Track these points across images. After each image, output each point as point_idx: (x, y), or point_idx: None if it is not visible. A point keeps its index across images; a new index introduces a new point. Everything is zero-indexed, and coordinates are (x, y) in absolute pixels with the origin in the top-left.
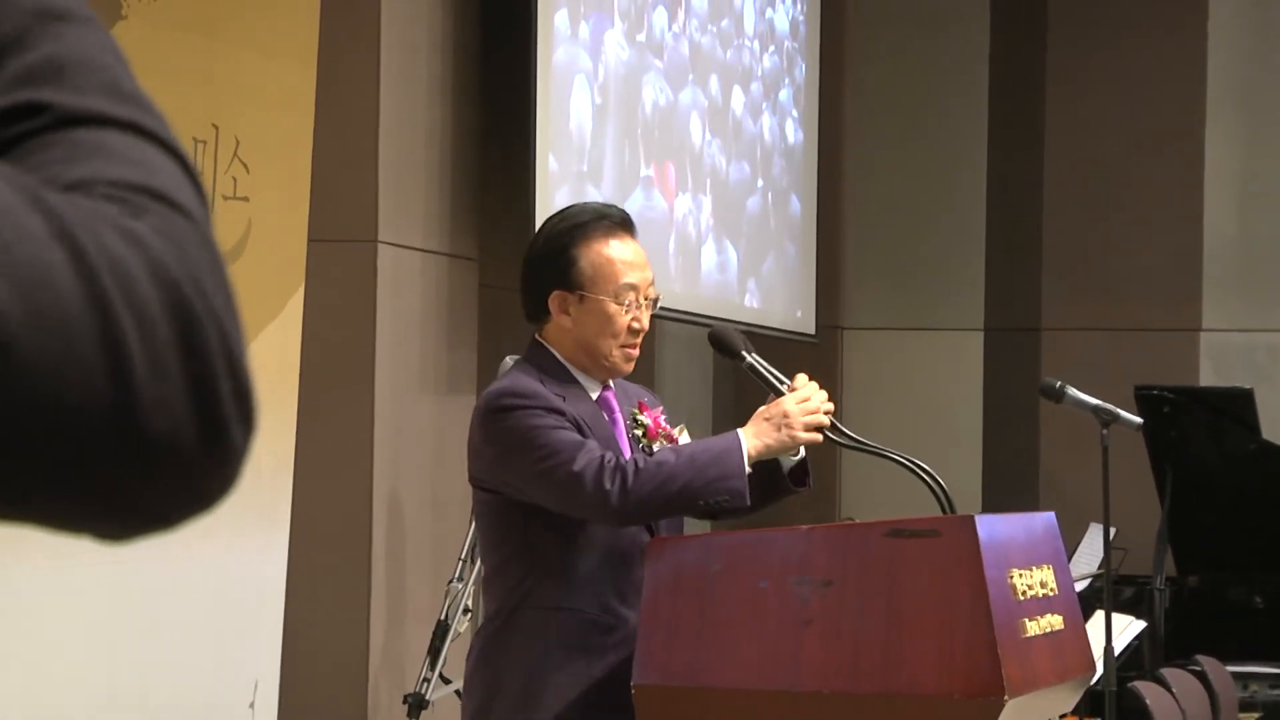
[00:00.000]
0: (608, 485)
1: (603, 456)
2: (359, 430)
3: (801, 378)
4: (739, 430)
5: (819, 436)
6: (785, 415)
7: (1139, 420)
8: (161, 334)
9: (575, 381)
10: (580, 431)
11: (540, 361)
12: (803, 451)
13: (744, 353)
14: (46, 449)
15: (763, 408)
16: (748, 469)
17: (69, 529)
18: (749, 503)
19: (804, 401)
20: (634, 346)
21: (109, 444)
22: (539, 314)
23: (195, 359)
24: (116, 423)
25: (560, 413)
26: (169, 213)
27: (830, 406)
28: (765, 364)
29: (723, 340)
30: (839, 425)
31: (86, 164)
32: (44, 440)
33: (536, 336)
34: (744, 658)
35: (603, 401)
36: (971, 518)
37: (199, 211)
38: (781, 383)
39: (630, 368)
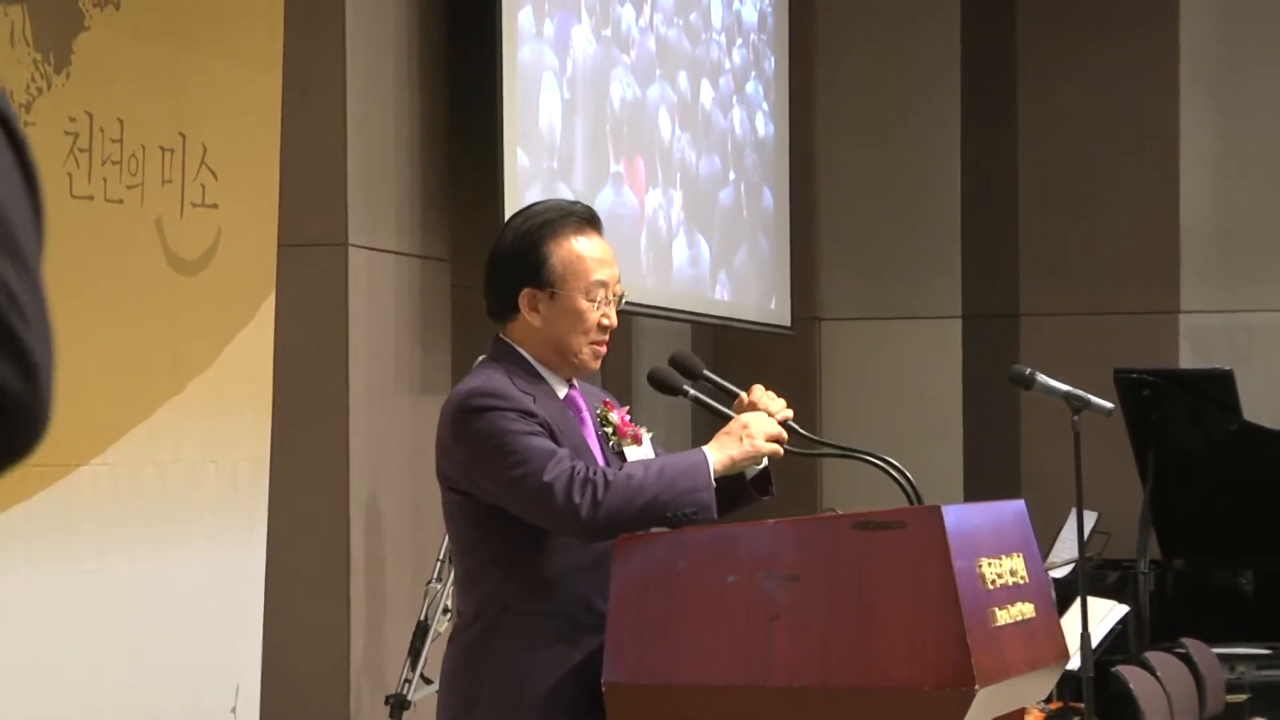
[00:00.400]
0: (577, 499)
1: (573, 468)
2: (335, 434)
3: (758, 388)
4: (703, 447)
5: (779, 448)
6: (745, 427)
7: (1110, 405)
8: None
9: (543, 380)
10: (551, 433)
11: (507, 360)
12: (765, 462)
13: (686, 387)
14: None
15: (724, 426)
16: (714, 482)
17: None
18: (716, 516)
19: (762, 414)
20: (602, 344)
21: None
22: (505, 312)
23: None
24: None
25: (532, 415)
26: None
27: (789, 414)
28: (714, 382)
29: (662, 380)
30: (797, 429)
31: None
32: None
33: (501, 335)
34: (713, 654)
35: (569, 400)
36: (938, 508)
37: None
38: (733, 397)
39: (597, 365)
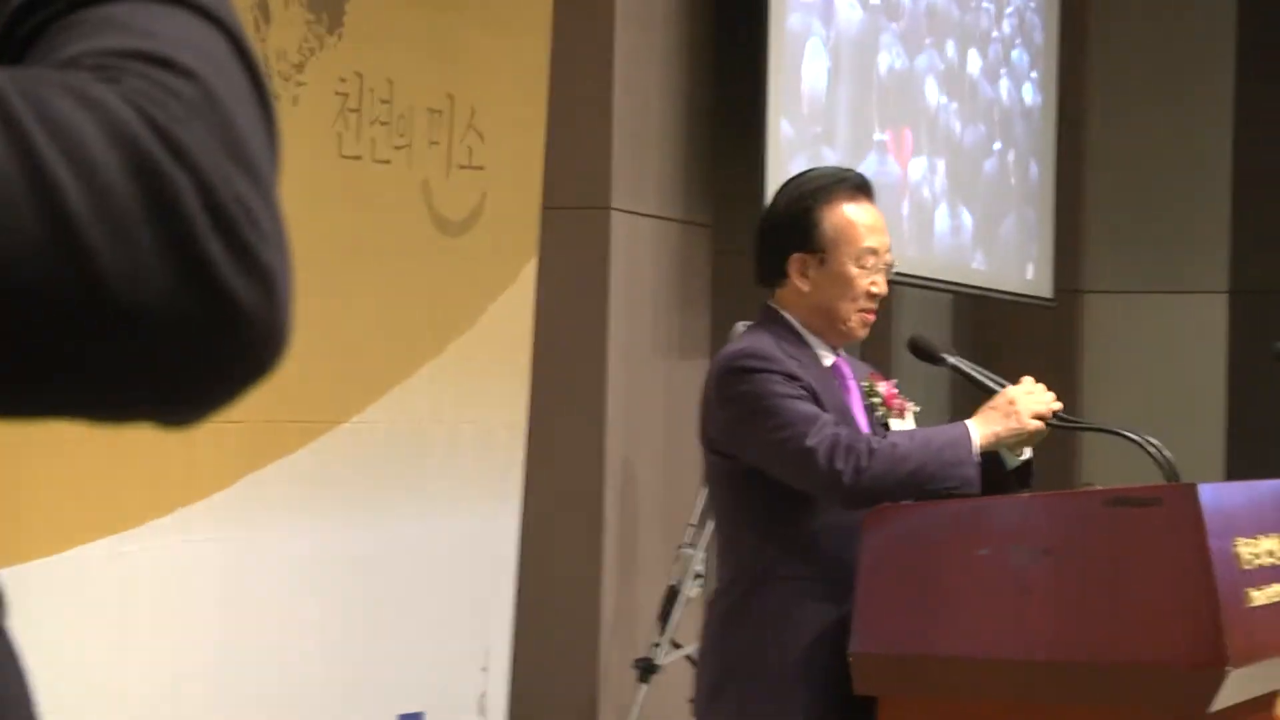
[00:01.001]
0: (840, 464)
1: (837, 434)
2: (592, 396)
3: (1027, 379)
4: (967, 420)
5: (1045, 426)
6: (1011, 403)
7: None
8: (121, 197)
9: (809, 347)
10: (815, 399)
11: (775, 326)
12: (1028, 453)
13: (945, 354)
14: (18, 335)
15: (989, 401)
16: (978, 457)
17: (106, 416)
18: (979, 490)
19: (1029, 393)
20: (871, 312)
21: (85, 321)
22: (774, 278)
23: (166, 219)
24: (83, 297)
25: (797, 379)
26: (159, 73)
27: (1059, 406)
28: (971, 365)
29: (922, 346)
30: (1065, 419)
31: (84, 40)
32: (8, 325)
33: (769, 302)
34: (963, 626)
35: (835, 369)
36: (1194, 485)
37: (207, 72)
38: (995, 382)
39: (865, 333)
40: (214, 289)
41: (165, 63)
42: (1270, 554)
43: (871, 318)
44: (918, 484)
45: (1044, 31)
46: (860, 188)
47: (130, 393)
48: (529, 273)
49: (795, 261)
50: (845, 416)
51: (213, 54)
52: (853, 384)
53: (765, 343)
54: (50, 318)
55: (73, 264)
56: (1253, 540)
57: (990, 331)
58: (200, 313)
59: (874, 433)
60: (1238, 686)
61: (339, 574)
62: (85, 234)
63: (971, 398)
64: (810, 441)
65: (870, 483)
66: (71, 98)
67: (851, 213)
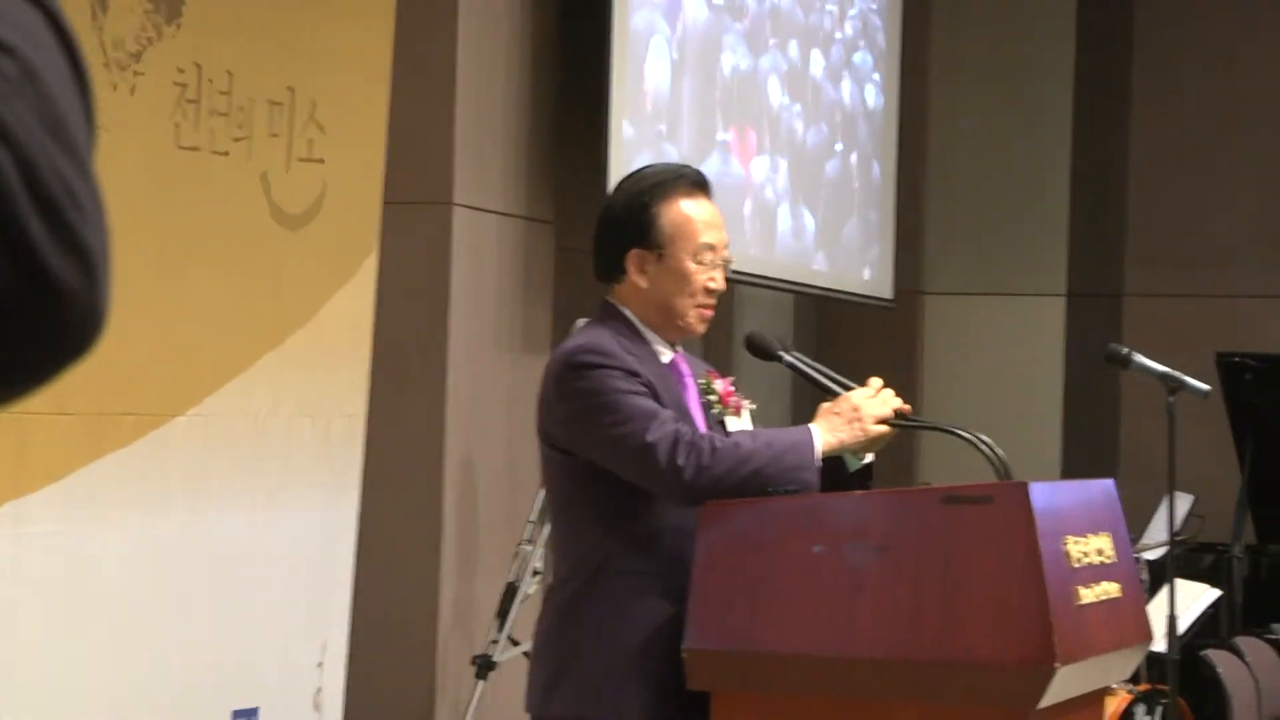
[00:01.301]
0: (681, 461)
1: (678, 430)
2: (433, 391)
3: (875, 381)
4: (811, 424)
5: (888, 430)
6: (855, 409)
7: (1206, 388)
8: None
9: (648, 343)
10: (654, 395)
11: (613, 321)
12: (870, 457)
13: (781, 352)
14: None
15: (828, 403)
16: (819, 462)
17: None
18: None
19: (873, 397)
20: (709, 308)
21: None
22: (613, 273)
23: None
24: None
25: (636, 375)
26: None
27: (906, 408)
28: (810, 362)
29: (758, 344)
30: (907, 422)
31: None
32: None
33: (608, 298)
34: (797, 623)
35: (673, 365)
36: (1025, 484)
37: (26, 49)
38: (835, 381)
39: (703, 329)
40: (33, 267)
41: None
42: (1100, 552)
43: (709, 314)
44: (758, 485)
45: (886, 35)
46: (698, 184)
47: None
48: (369, 267)
49: (633, 257)
50: (683, 413)
51: (32, 31)
52: (690, 381)
53: (604, 338)
54: None
55: None
56: (1083, 539)
57: (832, 331)
58: (19, 290)
59: (710, 430)
60: (1066, 684)
61: (174, 569)
62: None
63: (813, 396)
64: (650, 437)
65: (710, 482)
66: None
67: (689, 209)
